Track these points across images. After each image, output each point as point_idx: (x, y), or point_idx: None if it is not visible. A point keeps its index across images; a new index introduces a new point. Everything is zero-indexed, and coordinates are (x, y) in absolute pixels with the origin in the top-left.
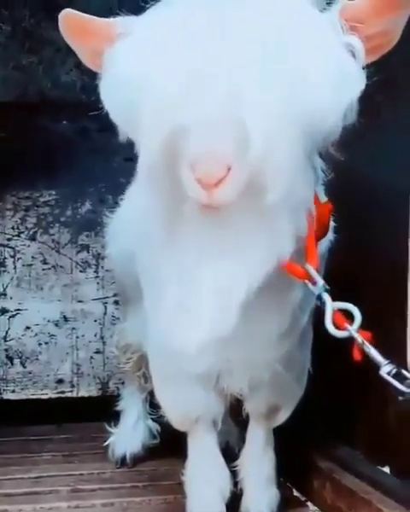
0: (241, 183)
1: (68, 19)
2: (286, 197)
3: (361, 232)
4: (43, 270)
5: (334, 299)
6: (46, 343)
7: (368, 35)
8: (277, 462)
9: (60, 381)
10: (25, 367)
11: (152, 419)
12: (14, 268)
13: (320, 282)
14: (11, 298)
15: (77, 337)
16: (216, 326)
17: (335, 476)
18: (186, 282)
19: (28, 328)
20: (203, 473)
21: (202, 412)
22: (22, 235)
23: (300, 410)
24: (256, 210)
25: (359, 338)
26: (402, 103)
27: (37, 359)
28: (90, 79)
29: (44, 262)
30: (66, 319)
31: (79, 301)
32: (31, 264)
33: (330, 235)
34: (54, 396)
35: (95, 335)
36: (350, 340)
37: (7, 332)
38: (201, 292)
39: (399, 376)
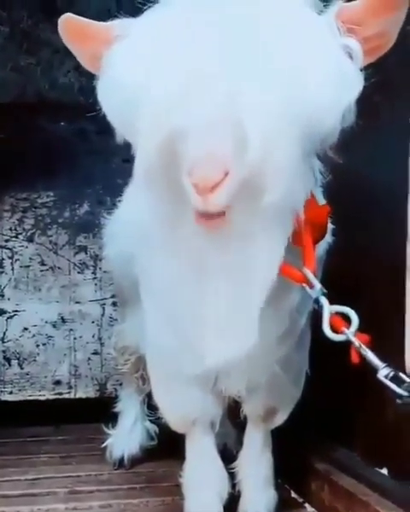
0: (236, 188)
1: (68, 23)
2: (284, 199)
3: (359, 234)
4: (41, 271)
5: (332, 301)
6: (44, 344)
7: (365, 37)
8: (274, 464)
9: (57, 383)
10: (22, 368)
11: (150, 421)
12: (12, 269)
13: (318, 285)
14: (9, 299)
15: (75, 338)
16: (244, 342)
17: (333, 478)
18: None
19: (26, 329)
20: (201, 474)
21: (199, 414)
22: (20, 236)
23: (298, 412)
24: (253, 212)
25: (356, 342)
26: (400, 104)
27: (34, 360)
28: (88, 81)
29: (42, 263)
30: (63, 320)
31: (77, 302)
32: (28, 266)
33: (329, 238)
34: (51, 397)
35: (93, 337)
36: (348, 343)
37: (4, 333)
38: (217, 304)
39: (396, 380)
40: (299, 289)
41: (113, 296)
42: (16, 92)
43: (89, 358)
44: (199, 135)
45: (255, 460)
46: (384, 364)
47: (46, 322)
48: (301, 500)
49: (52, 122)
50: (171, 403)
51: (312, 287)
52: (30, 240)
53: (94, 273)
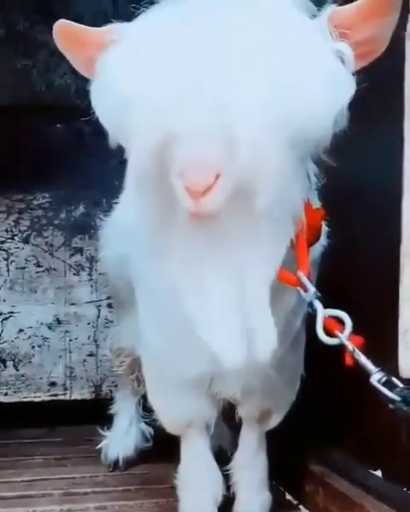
0: (229, 191)
1: (63, 29)
2: (276, 202)
3: (354, 237)
4: (37, 272)
5: (326, 304)
6: (39, 346)
7: (357, 41)
8: (269, 466)
9: (53, 384)
10: (18, 370)
11: (145, 422)
12: (8, 271)
13: (312, 289)
14: (4, 300)
15: (70, 340)
16: (267, 342)
17: (327, 480)
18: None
19: (21, 330)
20: (196, 476)
21: (194, 416)
22: (16, 237)
23: (292, 415)
24: (248, 216)
25: (350, 346)
26: (393, 109)
27: (30, 362)
28: (84, 83)
29: (38, 265)
30: (59, 322)
31: (73, 304)
32: (24, 267)
33: (323, 241)
34: (47, 399)
35: (88, 338)
36: (342, 346)
37: (0, 335)
38: (220, 307)
39: (389, 384)
40: (295, 291)
41: (108, 298)
42: (12, 94)
43: (84, 360)
44: (190, 138)
45: (250, 462)
46: (377, 369)
47: (42, 323)
48: (295, 502)
49: (48, 124)
50: (166, 405)
51: (306, 290)
52: (26, 241)
53: (90, 275)
